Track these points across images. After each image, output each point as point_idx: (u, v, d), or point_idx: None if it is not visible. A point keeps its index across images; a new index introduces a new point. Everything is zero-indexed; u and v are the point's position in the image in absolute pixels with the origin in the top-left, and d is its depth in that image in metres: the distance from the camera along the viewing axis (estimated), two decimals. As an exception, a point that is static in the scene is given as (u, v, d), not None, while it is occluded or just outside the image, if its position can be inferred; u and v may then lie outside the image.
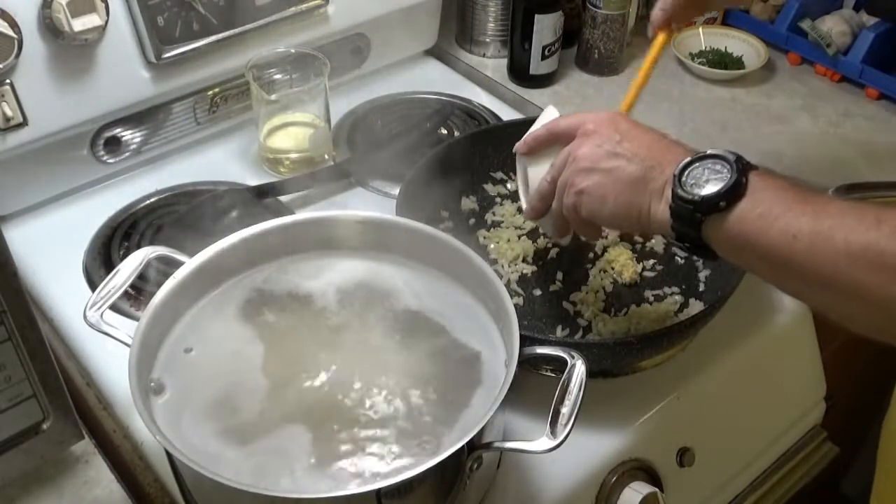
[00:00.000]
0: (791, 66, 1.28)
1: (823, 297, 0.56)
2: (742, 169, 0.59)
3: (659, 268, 0.90)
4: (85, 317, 0.68)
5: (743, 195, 0.58)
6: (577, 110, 1.17)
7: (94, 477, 0.72)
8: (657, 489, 0.78)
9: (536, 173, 0.78)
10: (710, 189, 0.59)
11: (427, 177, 0.91)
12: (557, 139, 0.75)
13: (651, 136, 0.68)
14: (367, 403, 0.65)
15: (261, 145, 1.05)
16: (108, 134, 0.98)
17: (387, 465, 0.61)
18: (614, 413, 0.79)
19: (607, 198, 0.68)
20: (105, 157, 1.00)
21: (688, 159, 0.63)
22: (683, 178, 0.62)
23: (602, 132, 0.69)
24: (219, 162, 1.06)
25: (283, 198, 1.00)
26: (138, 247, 0.91)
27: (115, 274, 0.71)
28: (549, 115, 0.81)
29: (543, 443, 0.60)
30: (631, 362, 0.81)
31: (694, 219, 0.60)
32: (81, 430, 0.70)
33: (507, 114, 1.16)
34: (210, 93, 1.04)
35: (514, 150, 0.81)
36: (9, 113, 0.86)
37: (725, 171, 0.60)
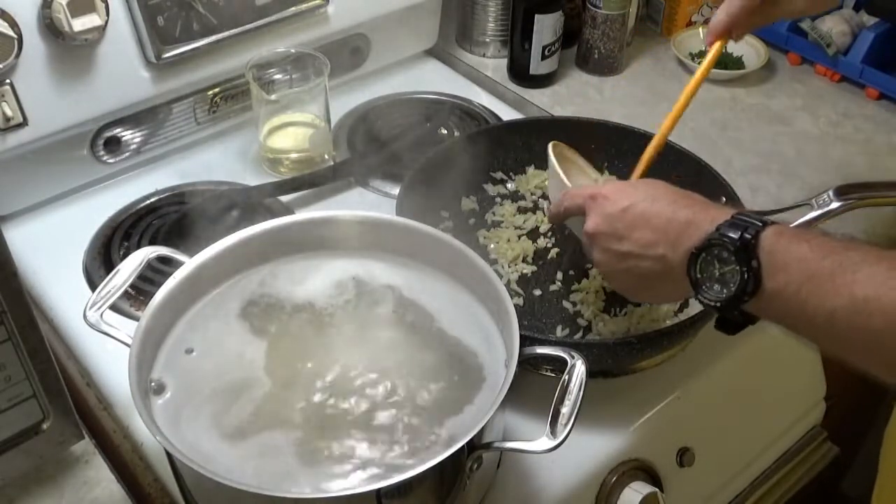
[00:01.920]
0: (791, 66, 1.28)
1: (874, 364, 0.54)
2: (748, 253, 0.56)
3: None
4: (85, 317, 0.68)
5: (760, 283, 0.56)
6: (577, 110, 1.18)
7: (94, 477, 0.72)
8: (657, 489, 0.78)
9: (575, 227, 0.77)
10: (727, 284, 0.57)
11: (427, 177, 0.91)
12: (574, 215, 0.73)
13: (646, 208, 0.64)
14: (368, 403, 0.65)
15: (261, 145, 1.05)
16: (108, 134, 0.98)
17: (387, 465, 0.61)
18: (614, 413, 0.79)
19: (644, 291, 0.68)
20: (105, 157, 1.00)
21: (691, 246, 0.60)
22: (699, 277, 0.60)
23: (602, 232, 0.67)
24: (219, 162, 1.06)
25: (283, 198, 1.00)
26: (138, 247, 0.91)
27: (115, 274, 0.71)
28: (554, 170, 0.80)
29: (543, 443, 0.60)
30: (631, 362, 0.81)
31: (728, 311, 0.59)
32: (81, 430, 0.70)
33: (507, 114, 1.16)
34: (210, 93, 1.04)
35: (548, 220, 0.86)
36: (9, 113, 0.86)
37: (733, 259, 0.57)
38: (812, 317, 0.54)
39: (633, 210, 0.65)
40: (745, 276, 0.56)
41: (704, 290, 0.59)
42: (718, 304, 0.58)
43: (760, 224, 0.57)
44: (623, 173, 0.99)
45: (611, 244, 0.66)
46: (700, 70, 0.83)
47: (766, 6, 0.78)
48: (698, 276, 0.60)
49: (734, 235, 0.57)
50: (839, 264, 0.53)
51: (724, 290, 0.58)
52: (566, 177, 0.78)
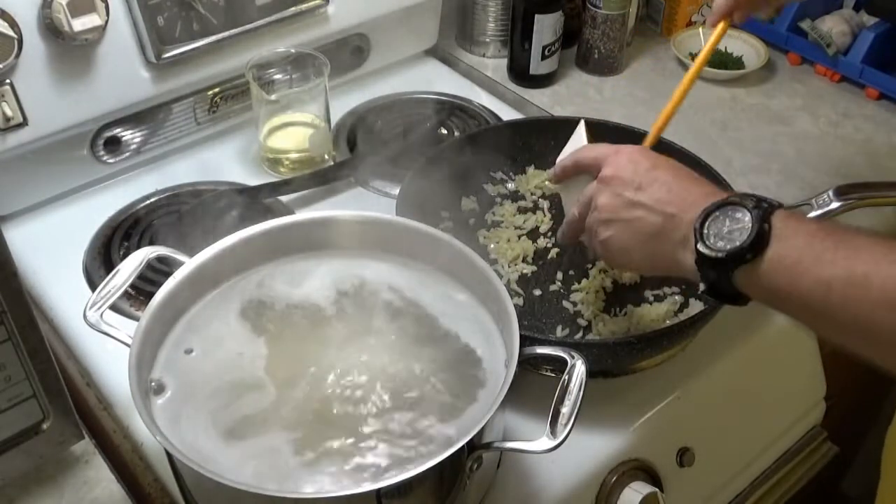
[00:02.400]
0: (791, 66, 1.28)
1: (864, 345, 0.54)
2: (763, 216, 0.57)
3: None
4: (85, 317, 0.68)
5: (767, 244, 0.56)
6: (577, 110, 1.18)
7: (94, 477, 0.72)
8: (657, 489, 0.78)
9: (568, 200, 0.78)
10: (732, 241, 0.58)
11: (427, 177, 0.91)
12: (584, 171, 0.74)
13: (671, 175, 0.66)
14: (368, 403, 0.65)
15: (261, 145, 1.05)
16: (108, 134, 0.98)
17: (387, 465, 0.61)
18: (614, 413, 0.79)
19: (631, 251, 0.68)
20: (105, 157, 1.00)
21: (707, 206, 0.61)
22: (705, 231, 0.60)
23: (621, 177, 0.68)
24: (219, 162, 1.06)
25: (283, 198, 1.00)
26: (138, 247, 0.91)
27: (115, 274, 0.71)
28: (579, 136, 0.80)
29: (543, 443, 0.60)
30: (631, 362, 0.81)
31: (722, 270, 0.59)
32: (81, 430, 0.70)
33: (507, 114, 1.16)
34: (210, 93, 1.04)
35: (550, 179, 0.81)
36: (9, 113, 0.86)
37: (746, 219, 0.58)
38: (807, 290, 0.54)
39: (658, 170, 0.67)
40: (756, 232, 0.56)
41: (707, 240, 0.59)
42: (719, 256, 0.58)
43: (777, 204, 0.59)
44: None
45: (625, 190, 0.67)
46: (703, 51, 0.83)
47: None
48: (705, 230, 0.60)
49: (752, 202, 0.58)
50: (842, 240, 0.54)
51: (728, 245, 0.58)
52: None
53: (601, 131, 0.97)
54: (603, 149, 0.72)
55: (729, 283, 0.59)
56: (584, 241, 0.75)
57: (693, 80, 0.82)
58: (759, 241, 0.56)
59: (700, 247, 0.59)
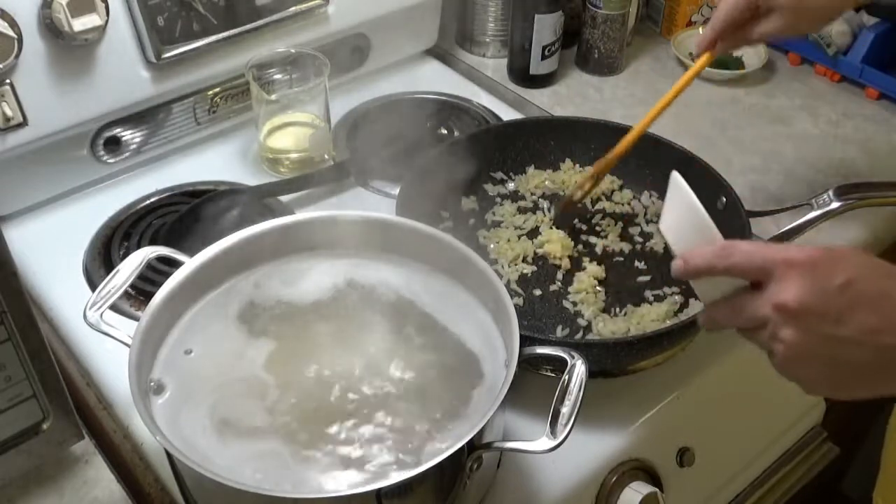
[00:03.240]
0: (791, 66, 1.28)
1: None
2: None
3: (659, 268, 0.90)
4: (85, 317, 0.68)
5: None
6: (577, 110, 1.18)
7: (94, 477, 0.72)
8: (657, 489, 0.78)
9: (705, 292, 0.62)
10: None
11: (427, 177, 0.91)
12: (735, 276, 0.58)
13: (874, 287, 0.53)
14: (367, 404, 0.65)
15: (261, 145, 1.05)
16: (108, 134, 0.98)
17: (387, 464, 0.61)
18: (614, 413, 0.79)
19: (839, 388, 0.56)
20: (105, 157, 1.00)
21: None
22: None
23: (810, 310, 0.53)
24: (219, 162, 1.06)
25: (283, 198, 1.00)
26: (138, 247, 0.91)
27: (114, 274, 0.71)
28: (680, 193, 0.62)
29: (543, 443, 0.60)
30: (631, 362, 0.81)
31: None
32: (81, 430, 0.70)
33: (507, 114, 1.16)
34: (210, 93, 1.04)
35: (672, 273, 0.60)
36: (9, 113, 0.86)
37: None
38: None
39: (856, 286, 0.53)
40: None
41: None
42: None
43: None
44: (623, 173, 0.99)
45: (822, 326, 0.53)
46: (679, 82, 0.86)
47: (747, 26, 0.82)
48: None
49: None
50: None
51: None
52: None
53: (601, 131, 0.97)
54: (765, 260, 0.55)
55: None
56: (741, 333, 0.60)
57: (665, 105, 0.85)
58: None
59: None
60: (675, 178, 0.63)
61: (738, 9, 0.81)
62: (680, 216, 0.63)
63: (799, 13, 0.80)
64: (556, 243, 0.90)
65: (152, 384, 0.66)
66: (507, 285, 0.88)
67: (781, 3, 0.79)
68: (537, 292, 0.88)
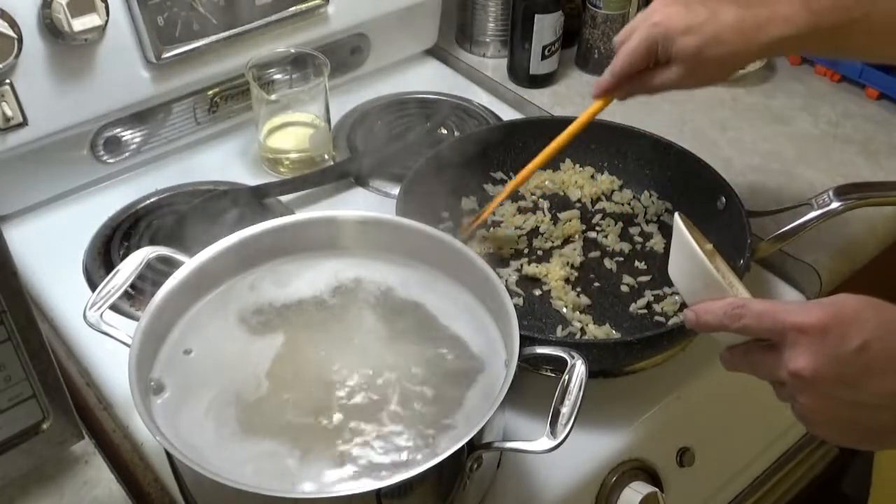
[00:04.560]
0: (791, 66, 1.28)
1: None
2: None
3: (660, 268, 0.90)
4: (85, 317, 0.68)
5: None
6: (577, 110, 1.17)
7: (94, 477, 0.72)
8: (657, 489, 0.78)
9: (723, 336, 0.61)
10: None
11: (427, 177, 0.91)
12: (748, 336, 0.58)
13: (889, 349, 0.51)
14: (367, 403, 0.65)
15: (261, 145, 1.05)
16: (108, 134, 0.98)
17: (387, 465, 0.61)
18: (614, 413, 0.79)
19: (864, 443, 0.56)
20: (105, 157, 1.00)
21: None
22: None
23: (825, 378, 0.52)
24: (219, 162, 1.06)
25: (283, 198, 1.00)
26: (138, 247, 0.91)
27: (115, 274, 0.71)
28: (683, 241, 0.63)
29: (543, 443, 0.60)
30: (631, 362, 0.81)
31: None
32: (81, 430, 0.70)
33: (507, 114, 1.16)
34: (210, 93, 1.04)
35: (685, 324, 0.62)
36: (9, 113, 0.86)
37: None
38: None
39: (872, 351, 0.51)
40: None
41: None
42: None
43: None
44: (623, 173, 0.99)
45: (839, 392, 0.52)
46: (576, 123, 0.85)
47: (644, 77, 0.79)
48: None
49: None
50: None
51: None
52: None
53: (601, 131, 0.97)
54: (773, 318, 0.55)
55: None
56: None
57: (560, 147, 0.84)
58: None
59: None
60: (678, 223, 0.64)
61: (637, 57, 0.77)
62: (685, 264, 0.63)
63: (699, 64, 0.75)
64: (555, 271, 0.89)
65: (152, 384, 0.66)
66: (507, 285, 0.88)
67: (681, 55, 0.75)
68: (537, 292, 0.88)
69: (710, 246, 0.69)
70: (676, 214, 0.65)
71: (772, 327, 0.55)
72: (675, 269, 0.65)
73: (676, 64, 0.76)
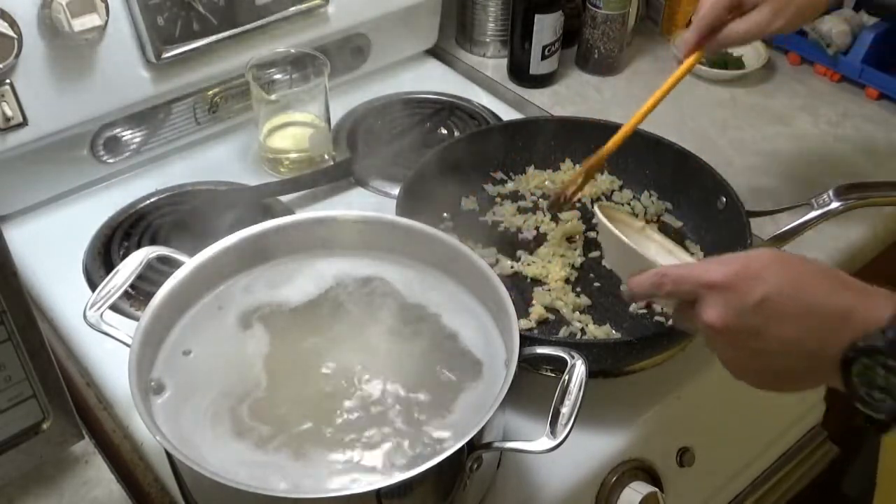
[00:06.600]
0: (791, 66, 1.28)
1: None
2: None
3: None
4: (85, 317, 0.68)
5: None
6: (577, 110, 1.18)
7: (94, 477, 0.72)
8: (657, 489, 0.78)
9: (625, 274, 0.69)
10: (886, 406, 0.50)
11: (427, 177, 0.91)
12: (675, 299, 0.63)
13: (789, 300, 0.55)
14: (367, 404, 0.65)
15: (261, 145, 1.05)
16: (108, 134, 0.98)
17: (386, 465, 0.61)
18: (614, 413, 0.79)
19: (779, 385, 0.59)
20: (105, 157, 1.00)
21: (851, 352, 0.51)
22: (855, 382, 0.51)
23: (730, 329, 0.56)
24: (219, 162, 1.06)
25: (283, 198, 1.00)
26: (138, 247, 0.91)
27: (115, 274, 0.71)
28: (607, 231, 0.71)
29: (543, 443, 0.60)
30: (631, 362, 0.81)
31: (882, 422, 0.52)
32: (81, 430, 0.70)
33: (507, 114, 1.16)
34: (210, 93, 1.04)
35: (624, 298, 0.71)
36: (9, 113, 0.86)
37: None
38: None
39: (771, 302, 0.55)
40: None
41: (865, 399, 0.51)
42: (886, 419, 0.50)
43: None
44: (623, 173, 0.99)
45: (745, 342, 0.57)
46: (674, 75, 0.85)
47: (731, 27, 0.80)
48: (855, 381, 0.51)
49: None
50: None
51: (890, 401, 0.50)
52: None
53: (601, 131, 0.97)
54: (690, 285, 0.59)
55: None
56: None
57: (654, 105, 0.84)
58: None
59: (860, 407, 0.52)
60: (598, 216, 0.71)
61: (721, 5, 0.79)
62: (612, 250, 0.71)
63: (783, 6, 0.78)
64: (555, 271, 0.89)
65: (152, 384, 0.66)
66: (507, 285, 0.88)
67: None
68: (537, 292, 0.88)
69: (640, 223, 0.80)
70: (596, 207, 0.74)
71: (689, 289, 0.59)
72: (607, 256, 0.75)
73: (762, 7, 0.78)
